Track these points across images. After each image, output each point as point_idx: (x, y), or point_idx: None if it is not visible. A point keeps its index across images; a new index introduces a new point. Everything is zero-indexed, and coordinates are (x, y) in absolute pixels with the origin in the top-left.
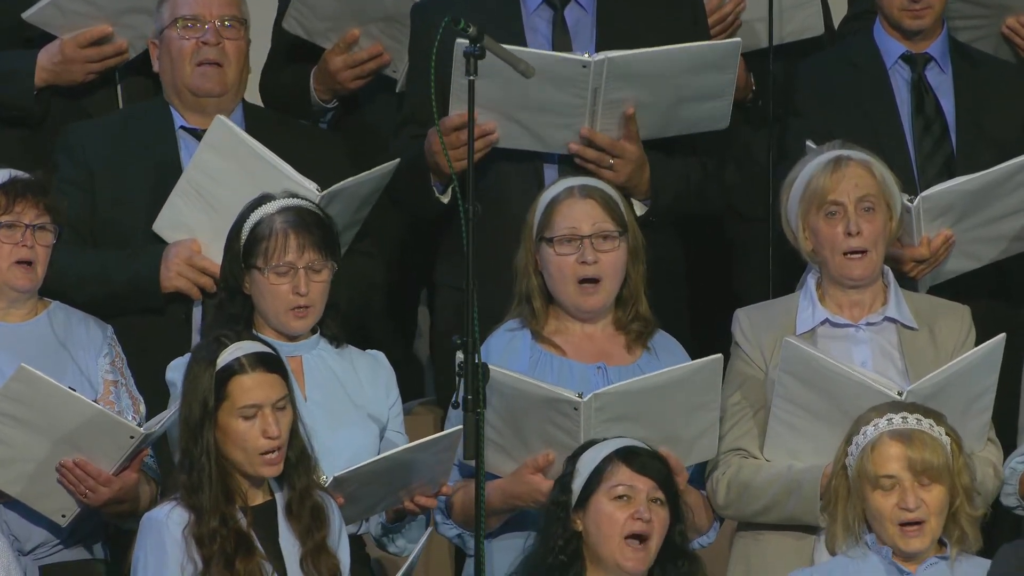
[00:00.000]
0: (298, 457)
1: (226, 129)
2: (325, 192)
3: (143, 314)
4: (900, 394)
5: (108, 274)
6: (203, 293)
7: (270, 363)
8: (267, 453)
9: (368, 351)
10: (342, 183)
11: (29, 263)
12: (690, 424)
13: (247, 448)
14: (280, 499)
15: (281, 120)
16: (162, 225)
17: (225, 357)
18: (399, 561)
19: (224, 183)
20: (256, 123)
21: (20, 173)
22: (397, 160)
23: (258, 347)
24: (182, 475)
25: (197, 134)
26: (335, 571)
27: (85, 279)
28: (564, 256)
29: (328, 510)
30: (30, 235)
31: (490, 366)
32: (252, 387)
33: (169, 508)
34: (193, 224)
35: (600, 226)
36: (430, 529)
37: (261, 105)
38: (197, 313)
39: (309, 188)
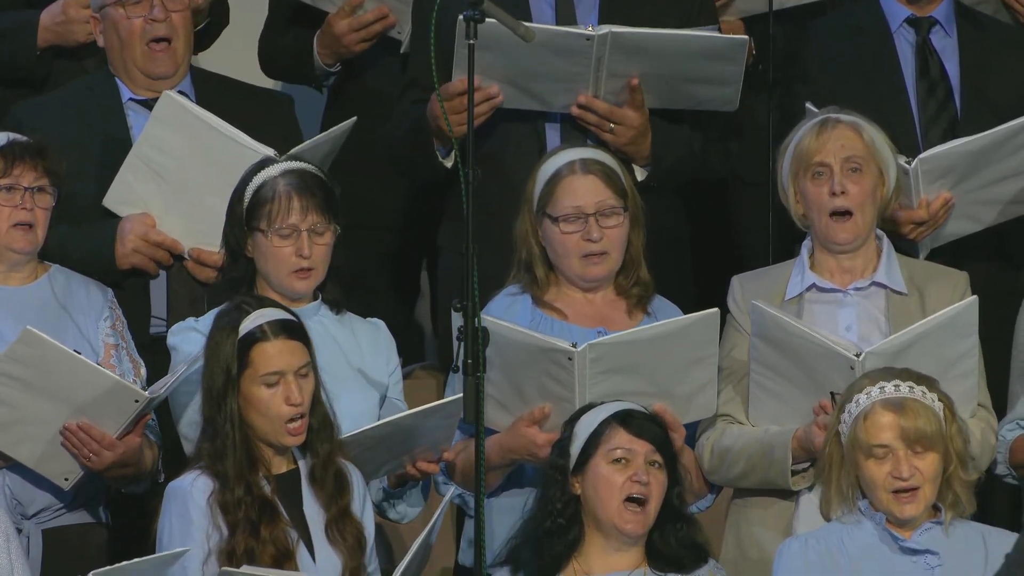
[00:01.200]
0: (320, 424)
1: (174, 104)
2: (285, 157)
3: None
4: (858, 355)
5: (65, 250)
6: (161, 266)
7: (293, 330)
8: (290, 422)
9: (369, 319)
10: (300, 146)
11: (29, 225)
12: (687, 379)
13: (270, 415)
14: (303, 467)
15: (228, 84)
16: (112, 200)
17: (247, 324)
18: (399, 528)
19: (175, 156)
20: (204, 87)
21: (18, 136)
22: (354, 119)
23: (281, 314)
24: (205, 443)
25: (148, 104)
26: (360, 537)
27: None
28: (569, 234)
29: (351, 476)
30: (29, 198)
31: (486, 317)
32: (275, 354)
33: (194, 477)
34: (145, 197)
35: (604, 203)
36: (448, 496)
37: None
38: (154, 285)
39: (266, 154)
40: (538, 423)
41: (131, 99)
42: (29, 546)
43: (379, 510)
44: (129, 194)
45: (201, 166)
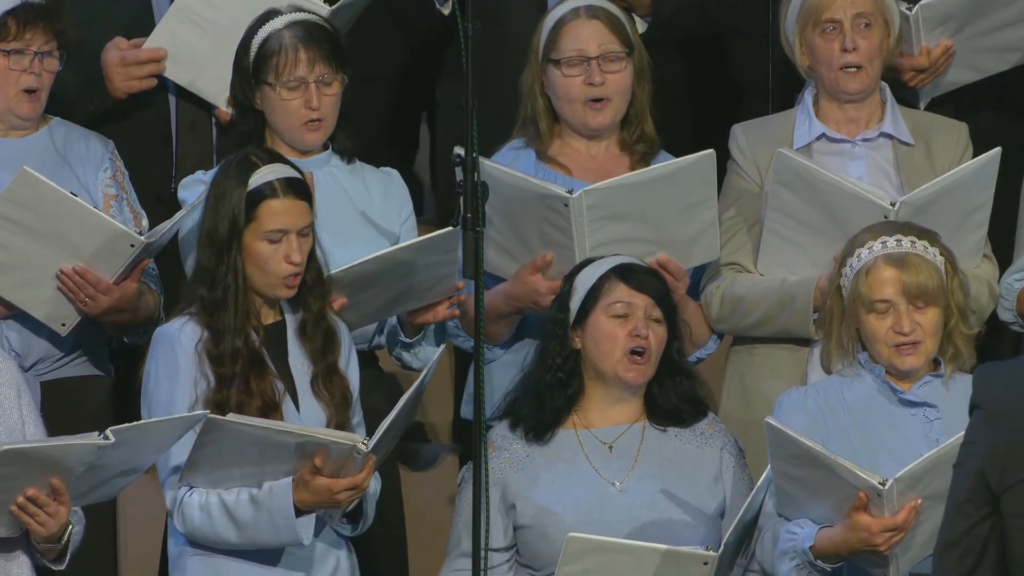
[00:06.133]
0: (314, 280)
1: None
2: (334, 7)
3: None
4: (893, 204)
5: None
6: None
7: (300, 189)
8: (287, 277)
9: (382, 168)
10: (338, 4)
11: (35, 91)
12: (687, 223)
13: (268, 270)
14: (292, 320)
15: None
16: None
17: (257, 179)
18: (412, 376)
19: (220, 6)
20: None
21: None
22: None
23: (289, 171)
24: (202, 289)
25: None
26: (346, 392)
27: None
28: (571, 78)
29: (340, 334)
30: (38, 62)
31: (484, 161)
32: (281, 212)
33: (182, 322)
34: (187, 48)
35: (607, 47)
36: (443, 347)
37: None
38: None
39: (317, 2)
40: (541, 270)
41: None
42: None
43: (401, 362)
44: (171, 45)
45: (240, 14)
